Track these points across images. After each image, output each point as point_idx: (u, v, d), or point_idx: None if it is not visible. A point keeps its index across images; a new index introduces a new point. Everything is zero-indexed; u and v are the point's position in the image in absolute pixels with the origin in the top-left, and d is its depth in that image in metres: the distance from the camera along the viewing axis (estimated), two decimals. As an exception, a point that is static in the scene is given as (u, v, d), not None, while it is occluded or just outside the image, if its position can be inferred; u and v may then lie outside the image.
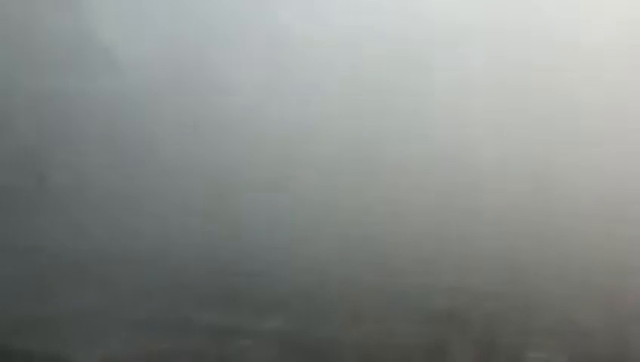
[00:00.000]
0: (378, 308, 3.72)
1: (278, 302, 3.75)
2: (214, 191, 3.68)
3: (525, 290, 3.77)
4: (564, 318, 3.71)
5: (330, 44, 3.76)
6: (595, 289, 3.79)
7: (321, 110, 3.75)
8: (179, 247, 3.72)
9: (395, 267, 3.77)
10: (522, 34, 3.81)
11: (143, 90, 3.70)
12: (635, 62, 3.92)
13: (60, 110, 3.65)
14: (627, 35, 3.99)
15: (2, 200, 3.62)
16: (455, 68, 3.79)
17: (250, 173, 3.68)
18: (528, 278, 3.79)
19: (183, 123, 3.71)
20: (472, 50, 3.80)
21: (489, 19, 3.78)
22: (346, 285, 3.78)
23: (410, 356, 3.52)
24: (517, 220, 3.78)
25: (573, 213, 3.81)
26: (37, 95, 3.64)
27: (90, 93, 3.69)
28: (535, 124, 3.82)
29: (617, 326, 3.70)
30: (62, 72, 3.67)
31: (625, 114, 3.89)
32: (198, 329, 3.64)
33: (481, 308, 3.72)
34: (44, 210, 3.61)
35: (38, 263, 3.73)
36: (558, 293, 3.79)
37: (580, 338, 3.62)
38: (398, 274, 3.77)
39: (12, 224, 3.59)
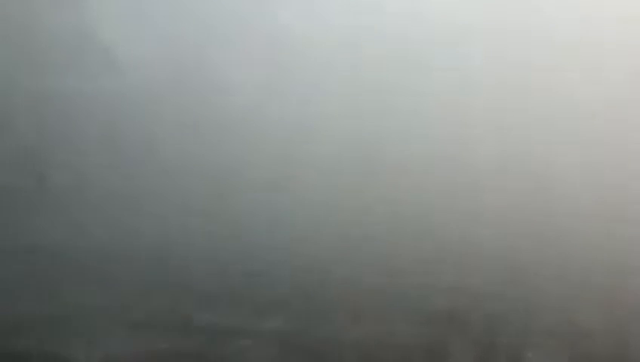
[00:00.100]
0: (378, 308, 3.72)
1: (278, 302, 3.75)
2: (214, 191, 3.68)
3: (525, 291, 3.77)
4: (564, 318, 3.71)
5: (330, 44, 3.76)
6: (595, 289, 3.79)
7: (321, 110, 3.75)
8: (179, 247, 3.72)
9: (395, 267, 3.78)
10: (522, 34, 3.81)
11: (143, 90, 3.70)
12: (636, 62, 3.93)
13: (60, 110, 3.65)
14: (627, 33, 4.00)
15: (2, 200, 3.62)
16: (455, 68, 3.79)
17: (250, 173, 3.69)
18: (528, 278, 3.79)
19: (182, 123, 3.71)
20: (472, 50, 3.81)
21: (489, 19, 3.79)
22: (346, 285, 3.78)
23: (410, 356, 3.52)
24: (517, 220, 3.78)
25: (573, 213, 3.82)
26: (37, 95, 3.64)
27: (90, 93, 3.69)
28: (535, 123, 3.82)
29: (617, 326, 3.70)
30: (62, 72, 3.67)
31: (625, 114, 3.90)
32: (198, 329, 3.64)
33: (481, 309, 3.72)
34: (44, 209, 3.61)
35: (38, 263, 3.73)
36: (558, 293, 3.79)
37: (580, 339, 3.62)
38: (398, 274, 3.77)
39: (12, 224, 3.59)
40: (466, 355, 3.43)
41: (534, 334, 3.61)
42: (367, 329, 3.62)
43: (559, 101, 3.85)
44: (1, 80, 3.64)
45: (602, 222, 3.83)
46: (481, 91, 3.83)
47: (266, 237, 3.72)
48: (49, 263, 3.76)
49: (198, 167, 3.71)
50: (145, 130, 3.67)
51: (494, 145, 3.78)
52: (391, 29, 3.79)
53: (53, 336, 3.56)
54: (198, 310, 3.72)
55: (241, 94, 3.73)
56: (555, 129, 3.84)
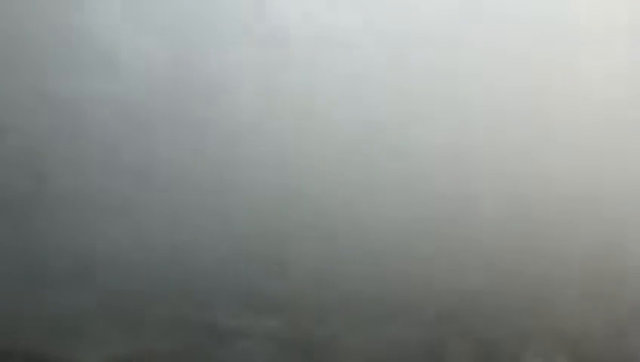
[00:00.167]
0: (378, 308, 3.72)
1: (278, 302, 3.76)
2: (214, 190, 3.68)
3: (525, 291, 3.78)
4: (564, 318, 3.72)
5: (331, 44, 3.77)
6: (596, 290, 3.80)
7: (321, 110, 3.75)
8: (179, 247, 3.72)
9: (395, 267, 3.78)
10: (520, 27, 3.81)
11: (143, 90, 3.70)
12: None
13: (60, 110, 3.65)
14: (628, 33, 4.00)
15: (1, 200, 3.62)
16: (455, 67, 3.79)
17: (250, 173, 3.69)
18: (528, 278, 3.79)
19: (183, 123, 3.71)
20: (472, 50, 3.81)
21: (489, 19, 3.79)
22: (346, 285, 3.78)
23: (410, 356, 3.53)
24: (517, 220, 3.79)
25: (573, 212, 3.82)
26: (37, 95, 3.64)
27: (90, 94, 3.69)
28: (535, 123, 3.82)
29: (617, 326, 3.71)
30: (62, 72, 3.67)
31: (625, 112, 3.90)
32: (198, 329, 3.64)
33: (481, 309, 3.72)
34: (44, 210, 3.61)
35: (38, 263, 3.73)
36: (558, 293, 3.80)
37: (580, 339, 3.63)
38: (398, 274, 3.78)
39: (12, 224, 3.59)
40: (466, 355, 3.44)
41: (534, 334, 3.62)
42: (367, 329, 3.63)
43: (559, 100, 3.86)
44: (0, 80, 3.63)
45: (603, 223, 3.83)
46: (481, 91, 3.83)
47: (266, 236, 3.72)
48: (49, 263, 3.75)
49: (198, 167, 3.71)
50: (145, 130, 3.67)
51: (494, 145, 3.78)
52: (393, 28, 3.79)
53: (53, 336, 3.57)
54: (198, 310, 3.72)
55: (241, 94, 3.73)
56: (555, 128, 3.84)
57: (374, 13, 3.77)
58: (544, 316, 3.72)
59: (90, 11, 3.66)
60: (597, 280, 3.80)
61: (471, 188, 3.80)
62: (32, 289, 3.66)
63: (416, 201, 3.78)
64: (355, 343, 3.64)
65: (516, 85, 3.80)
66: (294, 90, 3.71)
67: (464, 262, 3.76)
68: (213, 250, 3.67)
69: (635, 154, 3.85)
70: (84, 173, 3.61)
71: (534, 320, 3.71)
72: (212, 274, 3.70)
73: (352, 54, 3.75)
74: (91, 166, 3.62)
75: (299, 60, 3.73)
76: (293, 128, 3.70)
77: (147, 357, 3.63)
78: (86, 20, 3.65)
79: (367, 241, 3.74)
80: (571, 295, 3.76)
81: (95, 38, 3.65)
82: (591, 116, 3.85)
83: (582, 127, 3.83)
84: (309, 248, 3.69)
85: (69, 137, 3.61)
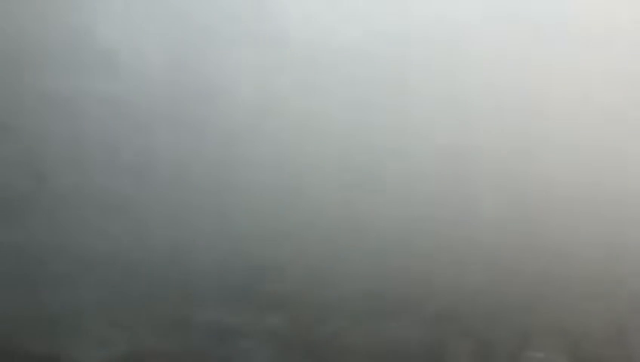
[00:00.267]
0: (378, 308, 3.72)
1: (278, 301, 3.75)
2: (215, 190, 3.68)
3: (525, 290, 3.77)
4: (564, 318, 3.71)
5: (332, 45, 3.77)
6: (596, 289, 3.80)
7: (322, 110, 3.75)
8: (179, 247, 3.72)
9: (395, 266, 3.78)
10: (518, 28, 3.82)
11: (143, 90, 3.70)
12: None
13: (59, 110, 3.66)
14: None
15: (1, 199, 3.63)
16: (455, 66, 3.79)
17: (250, 173, 3.69)
18: (528, 277, 3.79)
19: (183, 123, 3.71)
20: (472, 50, 3.81)
21: (488, 18, 3.79)
22: (346, 285, 3.78)
23: (410, 356, 3.53)
24: (517, 220, 3.79)
25: (574, 212, 3.82)
26: (37, 95, 3.64)
27: (90, 93, 3.70)
28: (535, 123, 3.82)
29: (617, 326, 3.70)
30: (62, 72, 3.68)
31: (625, 111, 3.90)
32: (198, 329, 3.64)
33: (481, 308, 3.72)
34: (44, 209, 3.62)
35: (37, 262, 3.74)
36: (558, 293, 3.79)
37: (580, 339, 3.62)
38: (398, 274, 3.77)
39: (11, 223, 3.60)
40: (466, 353, 3.44)
41: (534, 334, 3.62)
42: (367, 329, 3.63)
43: (559, 99, 3.85)
44: (0, 79, 3.64)
45: (603, 222, 3.83)
46: (482, 91, 3.83)
47: (266, 236, 3.72)
48: (48, 262, 3.76)
49: (198, 167, 3.71)
50: (144, 130, 3.67)
51: (494, 144, 3.78)
52: (392, 30, 3.79)
53: (53, 336, 3.57)
54: (198, 310, 3.72)
55: (240, 95, 3.73)
56: (555, 128, 3.84)
57: (373, 14, 3.77)
58: (544, 315, 3.72)
59: (90, 11, 3.66)
60: (597, 280, 3.80)
61: (471, 188, 3.80)
62: (32, 289, 3.66)
63: (416, 201, 3.78)
64: (356, 341, 3.64)
65: (516, 85, 3.80)
66: (293, 91, 3.71)
67: (464, 261, 3.76)
68: (213, 249, 3.67)
69: (635, 155, 3.85)
70: (83, 172, 3.61)
71: (534, 318, 3.70)
72: (212, 273, 3.70)
73: (352, 55, 3.75)
74: (91, 165, 3.62)
75: (297, 62, 3.73)
76: (291, 129, 3.70)
77: (147, 357, 3.63)
78: (86, 21, 3.66)
79: (367, 240, 3.74)
80: (571, 294, 3.76)
81: (95, 39, 3.66)
82: (591, 116, 3.84)
83: (582, 127, 3.83)
84: (308, 247, 3.69)
85: (68, 137, 3.61)
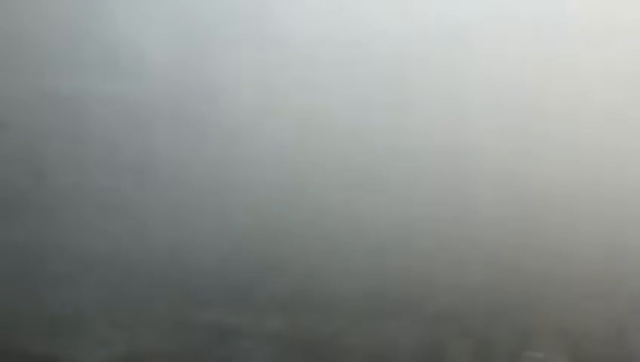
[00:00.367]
0: (378, 307, 3.72)
1: (278, 302, 3.75)
2: (215, 190, 3.68)
3: (525, 290, 3.77)
4: (564, 318, 3.71)
5: (332, 43, 3.77)
6: (596, 289, 3.79)
7: (322, 110, 3.75)
8: (179, 247, 3.72)
9: (395, 266, 3.77)
10: (522, 29, 3.82)
11: (143, 89, 3.70)
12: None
13: (60, 108, 3.65)
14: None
15: (1, 198, 3.62)
16: (455, 64, 3.79)
17: (251, 173, 3.69)
18: (528, 277, 3.79)
19: (184, 123, 3.71)
20: (472, 50, 3.81)
21: (488, 18, 3.79)
22: (346, 285, 3.78)
23: (410, 356, 3.52)
24: (517, 219, 3.78)
25: (573, 212, 3.82)
26: (37, 93, 3.64)
27: (90, 93, 3.69)
28: (535, 123, 3.82)
29: (617, 326, 3.70)
30: (62, 72, 3.68)
31: (625, 111, 3.90)
32: (198, 329, 3.64)
33: (481, 308, 3.72)
34: (44, 208, 3.61)
35: (37, 262, 3.73)
36: (558, 292, 3.79)
37: (580, 338, 3.62)
38: (398, 274, 3.77)
39: (10, 221, 3.59)
40: (466, 353, 3.43)
41: (534, 334, 3.61)
42: (367, 329, 3.62)
43: (559, 98, 3.85)
44: (1, 78, 3.64)
45: (603, 222, 3.83)
46: (481, 91, 3.84)
47: (265, 235, 3.72)
48: (48, 261, 3.75)
49: (199, 167, 3.71)
50: (145, 129, 3.67)
51: (494, 143, 3.77)
52: (392, 29, 3.79)
53: (53, 336, 3.56)
54: (198, 310, 3.71)
55: (241, 94, 3.73)
56: (555, 127, 3.84)
57: (374, 12, 3.77)
58: (544, 315, 3.71)
59: (91, 10, 3.66)
60: (597, 280, 3.80)
61: (471, 188, 3.79)
62: (31, 288, 3.65)
63: (416, 201, 3.78)
64: (356, 341, 3.63)
65: (516, 85, 3.80)
66: (293, 89, 3.71)
67: (464, 261, 3.76)
68: (213, 249, 3.66)
69: (635, 155, 3.85)
70: (83, 170, 3.61)
71: (534, 318, 3.70)
72: (212, 272, 3.69)
73: (352, 54, 3.75)
74: (91, 164, 3.62)
75: (298, 60, 3.73)
76: (292, 127, 3.70)
77: (147, 357, 3.62)
78: (87, 19, 3.66)
79: (367, 240, 3.73)
80: (571, 294, 3.75)
81: (95, 37, 3.66)
82: (591, 116, 3.84)
83: (582, 127, 3.83)
84: (308, 247, 3.69)
85: (68, 135, 3.61)
